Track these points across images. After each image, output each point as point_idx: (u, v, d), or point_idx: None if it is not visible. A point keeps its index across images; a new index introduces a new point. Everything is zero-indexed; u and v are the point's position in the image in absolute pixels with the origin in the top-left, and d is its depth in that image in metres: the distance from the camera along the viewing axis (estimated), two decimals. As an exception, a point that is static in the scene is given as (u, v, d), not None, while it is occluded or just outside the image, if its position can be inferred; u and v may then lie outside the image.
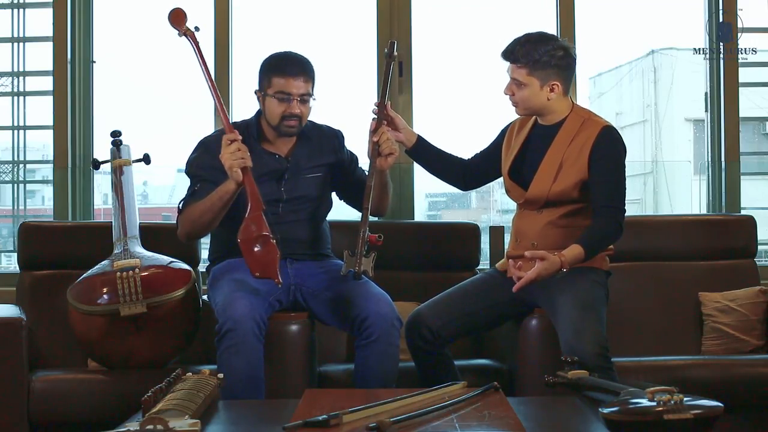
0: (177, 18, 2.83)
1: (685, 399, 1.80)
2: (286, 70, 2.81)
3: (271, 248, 2.60)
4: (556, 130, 2.80)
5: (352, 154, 3.08)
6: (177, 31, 2.84)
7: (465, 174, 3.06)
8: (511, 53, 2.74)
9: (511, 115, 2.96)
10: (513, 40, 2.77)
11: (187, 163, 2.92)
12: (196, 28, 2.84)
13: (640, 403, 1.84)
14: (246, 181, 2.65)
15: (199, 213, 2.76)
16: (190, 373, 2.25)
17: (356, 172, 3.05)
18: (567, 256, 2.61)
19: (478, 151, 3.06)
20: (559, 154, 2.76)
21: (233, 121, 2.96)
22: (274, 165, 2.89)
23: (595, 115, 2.84)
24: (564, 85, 2.77)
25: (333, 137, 3.03)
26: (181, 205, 2.85)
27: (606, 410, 1.87)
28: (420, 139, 3.00)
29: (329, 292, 2.80)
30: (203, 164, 2.85)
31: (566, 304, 2.65)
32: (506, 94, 2.80)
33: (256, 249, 2.59)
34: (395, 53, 2.85)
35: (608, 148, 2.74)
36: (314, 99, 2.86)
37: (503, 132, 3.00)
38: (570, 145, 2.76)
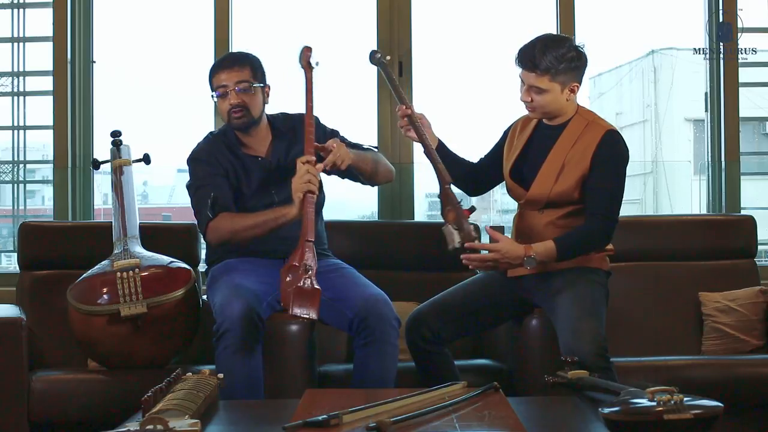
0: (306, 55, 2.83)
1: (685, 399, 1.80)
2: (217, 66, 2.89)
3: (315, 291, 2.51)
4: (560, 130, 2.78)
5: (332, 131, 3.01)
6: (300, 64, 2.83)
7: (475, 179, 3.02)
8: (531, 62, 2.66)
9: (512, 113, 2.96)
10: (528, 47, 2.70)
11: (188, 186, 2.91)
12: (317, 63, 2.83)
13: (641, 403, 1.84)
14: (304, 209, 2.61)
15: (245, 227, 2.75)
16: (190, 373, 2.25)
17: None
18: (537, 249, 2.64)
19: (483, 155, 3.03)
20: (562, 155, 2.75)
21: (212, 130, 3.03)
22: (259, 170, 2.90)
23: (600, 118, 2.82)
24: (580, 85, 2.76)
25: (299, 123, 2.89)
26: (208, 217, 2.80)
27: (606, 410, 1.87)
28: (440, 144, 2.94)
29: (328, 292, 2.78)
30: (203, 174, 2.87)
31: (565, 304, 2.65)
32: (524, 100, 2.74)
33: (303, 285, 2.48)
34: (385, 58, 2.85)
35: (611, 153, 2.73)
36: (260, 85, 2.87)
37: (506, 132, 2.98)
38: (573, 147, 2.74)
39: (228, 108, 2.83)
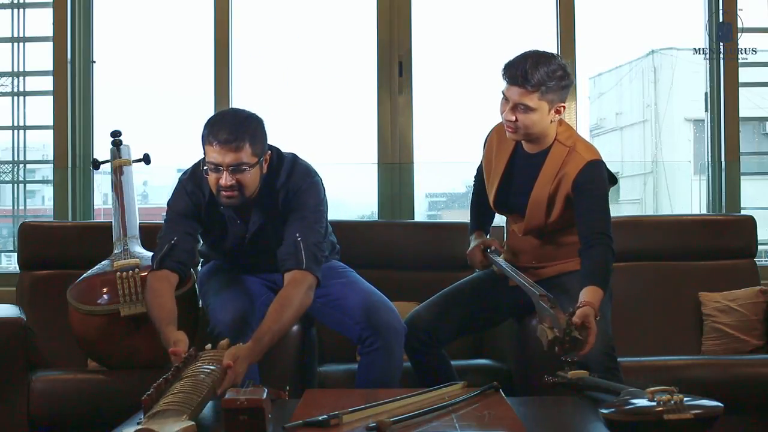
0: None
1: (685, 399, 1.79)
2: (213, 137, 2.52)
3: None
4: (542, 159, 2.68)
5: (304, 207, 2.67)
6: None
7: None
8: (523, 76, 2.52)
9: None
10: (518, 61, 2.56)
11: (167, 205, 2.75)
12: None
13: (640, 403, 1.84)
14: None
15: (150, 308, 2.60)
16: (209, 345, 2.25)
17: (287, 231, 2.65)
18: (595, 304, 2.45)
19: (478, 183, 2.94)
20: (546, 190, 2.66)
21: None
22: (234, 233, 2.74)
23: (580, 141, 2.70)
24: (566, 106, 2.65)
25: (292, 187, 2.69)
26: (157, 263, 2.66)
27: (606, 410, 1.87)
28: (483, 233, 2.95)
29: (326, 297, 2.74)
30: (181, 209, 2.69)
31: (571, 304, 2.62)
32: (508, 120, 2.59)
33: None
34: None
35: (593, 180, 2.62)
36: (260, 161, 2.57)
37: (484, 147, 2.86)
38: (555, 179, 2.65)
39: (217, 186, 2.56)
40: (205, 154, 2.57)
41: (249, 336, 2.56)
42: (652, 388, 1.85)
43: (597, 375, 2.38)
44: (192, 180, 2.72)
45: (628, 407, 1.85)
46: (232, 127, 2.52)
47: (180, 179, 2.77)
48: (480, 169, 2.93)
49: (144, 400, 1.92)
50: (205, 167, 2.58)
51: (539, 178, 2.68)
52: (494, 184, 2.79)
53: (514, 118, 2.58)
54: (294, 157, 2.75)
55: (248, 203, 2.66)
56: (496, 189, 2.78)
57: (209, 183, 2.60)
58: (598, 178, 2.63)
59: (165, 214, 2.75)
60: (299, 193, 2.68)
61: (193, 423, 1.81)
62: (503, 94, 2.61)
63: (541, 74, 2.52)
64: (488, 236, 2.96)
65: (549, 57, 2.59)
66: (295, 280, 2.57)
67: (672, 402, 1.78)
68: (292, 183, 2.69)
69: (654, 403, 1.80)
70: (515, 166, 2.75)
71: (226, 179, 2.52)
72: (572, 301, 2.52)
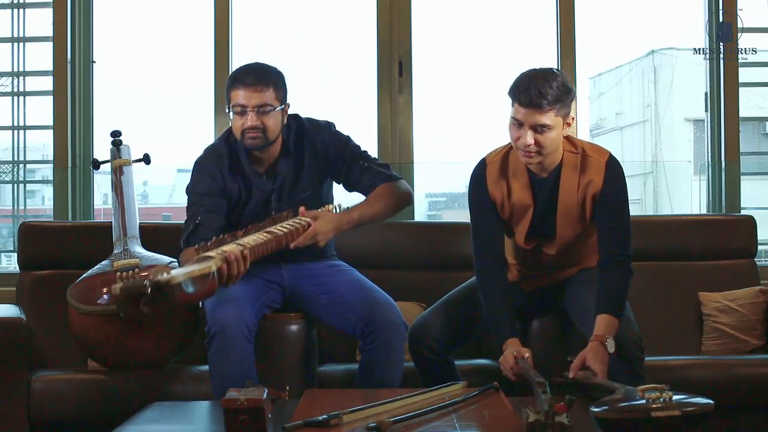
0: None
1: (675, 397, 1.79)
2: (239, 81, 2.69)
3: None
4: (556, 177, 2.62)
5: (345, 149, 2.84)
6: None
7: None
8: (541, 96, 2.44)
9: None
10: (528, 82, 2.46)
11: (186, 191, 2.81)
12: None
13: (630, 401, 1.84)
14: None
15: None
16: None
17: (352, 171, 2.83)
18: (605, 338, 2.46)
19: (489, 237, 2.72)
20: (572, 203, 2.62)
21: (219, 137, 2.90)
22: (261, 188, 2.79)
23: (586, 144, 2.67)
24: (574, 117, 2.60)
25: (318, 140, 2.83)
26: (183, 241, 2.71)
27: (596, 409, 1.87)
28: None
29: (329, 294, 2.76)
30: (202, 190, 2.76)
31: (593, 296, 2.61)
32: (527, 144, 2.49)
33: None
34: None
35: (617, 188, 2.61)
36: (282, 107, 2.73)
37: (481, 194, 2.69)
38: (579, 191, 2.61)
39: (243, 128, 2.69)
40: (230, 101, 2.72)
41: (246, 336, 2.58)
42: (642, 387, 1.85)
43: (625, 362, 2.44)
44: (208, 157, 2.81)
45: (617, 405, 1.86)
46: (257, 72, 2.71)
47: (196, 163, 2.84)
48: (483, 233, 2.73)
49: (197, 248, 1.89)
50: (231, 111, 2.71)
51: (561, 194, 2.63)
52: (525, 221, 2.69)
53: (533, 141, 2.48)
54: (298, 114, 2.88)
55: (273, 160, 2.78)
56: (528, 226, 2.69)
57: (233, 129, 2.73)
58: (620, 188, 2.63)
59: (187, 195, 2.80)
60: (331, 140, 2.84)
61: (209, 264, 1.71)
62: (515, 119, 2.51)
63: (554, 90, 2.47)
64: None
65: (552, 72, 2.53)
66: (392, 184, 2.83)
67: (661, 399, 1.78)
68: (320, 130, 2.84)
69: (644, 401, 1.80)
70: (535, 197, 2.67)
71: (251, 119, 2.66)
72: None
